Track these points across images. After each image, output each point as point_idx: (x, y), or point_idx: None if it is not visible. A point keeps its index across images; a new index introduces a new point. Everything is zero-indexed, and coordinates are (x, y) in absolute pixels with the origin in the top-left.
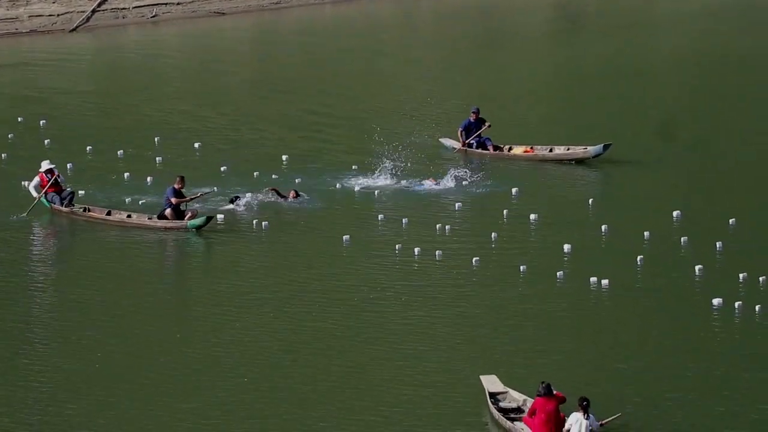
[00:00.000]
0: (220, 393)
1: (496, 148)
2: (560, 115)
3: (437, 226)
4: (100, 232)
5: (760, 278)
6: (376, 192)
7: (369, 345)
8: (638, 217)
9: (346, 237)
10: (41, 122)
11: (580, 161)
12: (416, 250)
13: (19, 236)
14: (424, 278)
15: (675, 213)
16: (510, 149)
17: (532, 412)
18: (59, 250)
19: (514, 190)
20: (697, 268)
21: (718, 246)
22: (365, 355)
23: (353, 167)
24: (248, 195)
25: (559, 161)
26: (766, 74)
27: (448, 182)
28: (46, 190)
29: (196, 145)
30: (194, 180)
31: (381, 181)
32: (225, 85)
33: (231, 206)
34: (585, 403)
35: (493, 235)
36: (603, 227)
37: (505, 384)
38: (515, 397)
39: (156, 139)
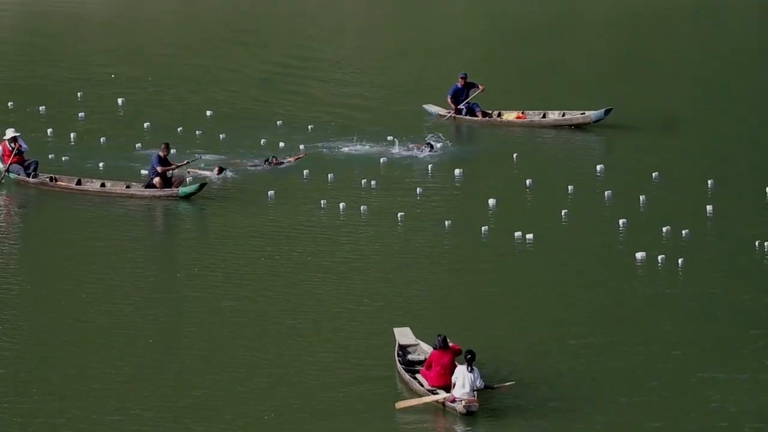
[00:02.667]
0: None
1: (484, 114)
2: (510, 73)
3: (362, 181)
4: (78, 202)
5: (683, 231)
6: (302, 145)
7: (288, 298)
8: (562, 171)
9: (270, 192)
10: None
11: (578, 126)
12: (341, 205)
13: None
14: (350, 232)
15: (599, 167)
16: (500, 115)
17: (429, 365)
18: (39, 223)
19: (438, 145)
20: (620, 221)
21: (641, 200)
22: (282, 306)
23: (277, 122)
24: (229, 168)
25: (557, 126)
26: (694, 28)
27: (435, 149)
28: (9, 161)
29: (120, 101)
30: (120, 136)
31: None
32: (149, 41)
33: (216, 175)
34: (469, 356)
35: (417, 190)
36: (527, 181)
37: (418, 337)
38: (425, 350)
39: (79, 95)
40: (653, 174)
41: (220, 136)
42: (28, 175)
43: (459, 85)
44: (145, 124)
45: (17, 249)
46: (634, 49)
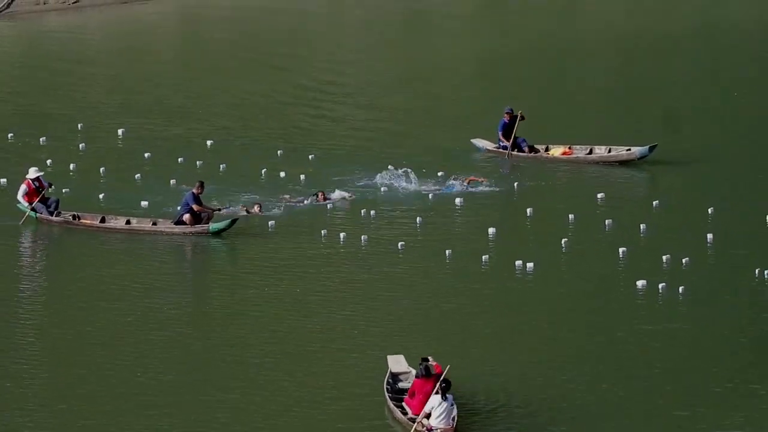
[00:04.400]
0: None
1: (531, 149)
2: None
3: (362, 211)
4: (104, 240)
5: (683, 260)
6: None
7: (292, 323)
8: (563, 200)
9: (270, 222)
10: None
11: (623, 162)
12: (341, 235)
13: (12, 253)
14: (350, 262)
15: (599, 195)
16: (547, 149)
17: (412, 393)
18: (65, 262)
19: (439, 173)
20: (621, 250)
21: (641, 228)
22: (282, 331)
23: (278, 152)
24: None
25: (604, 163)
26: (689, 53)
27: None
28: (31, 200)
29: (120, 131)
30: (120, 168)
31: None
32: (148, 71)
33: (245, 212)
34: (444, 385)
35: (418, 219)
36: (528, 210)
37: (411, 365)
38: None
39: (79, 126)
40: (653, 202)
41: (221, 166)
42: (51, 214)
43: (506, 120)
44: (146, 155)
45: (44, 288)
46: (633, 77)
